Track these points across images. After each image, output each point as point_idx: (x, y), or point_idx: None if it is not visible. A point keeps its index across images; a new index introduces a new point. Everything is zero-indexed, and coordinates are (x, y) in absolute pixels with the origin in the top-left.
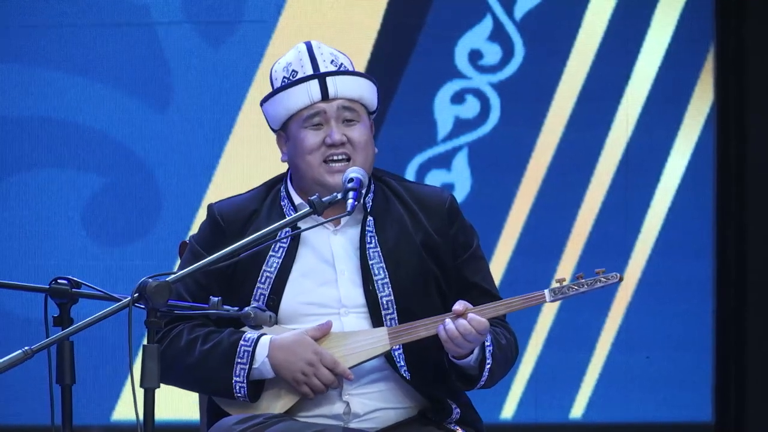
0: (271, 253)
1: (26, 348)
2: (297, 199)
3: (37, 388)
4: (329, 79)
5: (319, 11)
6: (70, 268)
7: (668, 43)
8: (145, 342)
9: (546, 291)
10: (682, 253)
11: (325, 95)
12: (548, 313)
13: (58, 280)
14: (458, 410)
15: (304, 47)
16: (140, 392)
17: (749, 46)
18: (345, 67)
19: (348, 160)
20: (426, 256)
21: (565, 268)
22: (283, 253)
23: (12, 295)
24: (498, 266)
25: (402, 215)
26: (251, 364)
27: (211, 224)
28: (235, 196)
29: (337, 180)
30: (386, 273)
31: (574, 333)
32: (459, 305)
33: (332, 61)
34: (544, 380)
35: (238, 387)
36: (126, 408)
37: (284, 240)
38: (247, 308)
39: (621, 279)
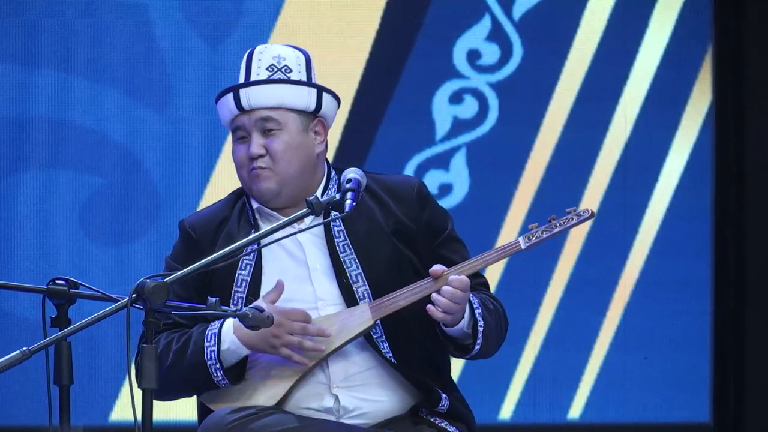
0: (242, 255)
1: (24, 348)
2: (255, 203)
3: (35, 388)
4: (242, 92)
5: (317, 11)
6: (68, 268)
7: (667, 42)
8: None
9: (520, 238)
10: (681, 253)
11: (240, 108)
12: (547, 312)
13: (56, 281)
14: (447, 400)
15: (247, 54)
16: (138, 393)
17: (748, 45)
18: (288, 68)
19: (270, 169)
20: (398, 244)
21: (564, 268)
22: (255, 255)
23: (10, 295)
24: (496, 266)
25: (370, 207)
26: (219, 345)
27: (184, 239)
28: (204, 208)
29: (260, 188)
30: (359, 264)
31: (572, 333)
32: (436, 267)
33: (270, 66)
34: (542, 381)
35: (213, 370)
36: (124, 408)
37: (261, 237)
38: (245, 308)
39: (593, 214)
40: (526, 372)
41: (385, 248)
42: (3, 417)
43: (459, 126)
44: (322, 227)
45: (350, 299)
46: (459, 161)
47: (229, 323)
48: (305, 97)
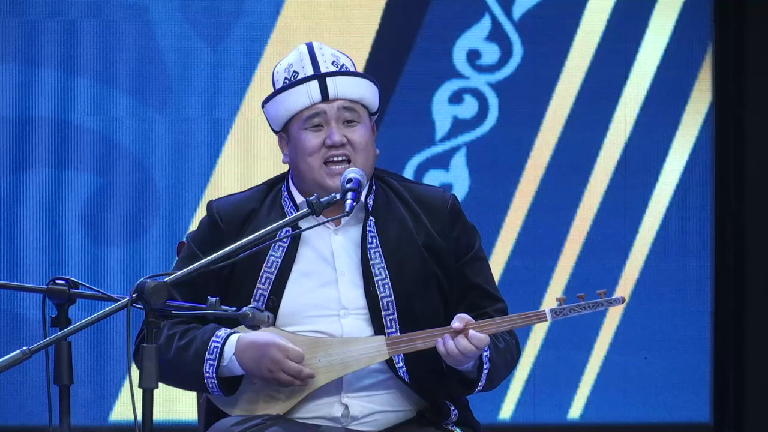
0: (270, 252)
1: (24, 348)
2: (299, 198)
3: (35, 388)
4: (329, 80)
5: (317, 11)
6: (68, 268)
7: (667, 43)
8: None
9: (547, 310)
10: (681, 253)
11: (325, 96)
12: None
13: (56, 281)
14: (456, 411)
15: (305, 48)
16: (138, 392)
17: (747, 46)
18: (346, 68)
19: (348, 161)
20: (428, 257)
21: (564, 268)
22: (283, 253)
23: (10, 295)
24: (496, 266)
25: (404, 216)
26: (219, 361)
27: (209, 223)
28: (236, 193)
29: (338, 183)
30: (387, 273)
31: (572, 333)
32: (459, 322)
33: (333, 62)
34: (542, 381)
35: (210, 383)
36: (124, 408)
37: (284, 240)
38: (245, 308)
39: (624, 301)
40: (527, 372)
41: (414, 259)
42: (3, 417)
43: (459, 126)
44: (359, 230)
45: (374, 308)
46: (459, 161)
47: (233, 340)
48: (375, 97)
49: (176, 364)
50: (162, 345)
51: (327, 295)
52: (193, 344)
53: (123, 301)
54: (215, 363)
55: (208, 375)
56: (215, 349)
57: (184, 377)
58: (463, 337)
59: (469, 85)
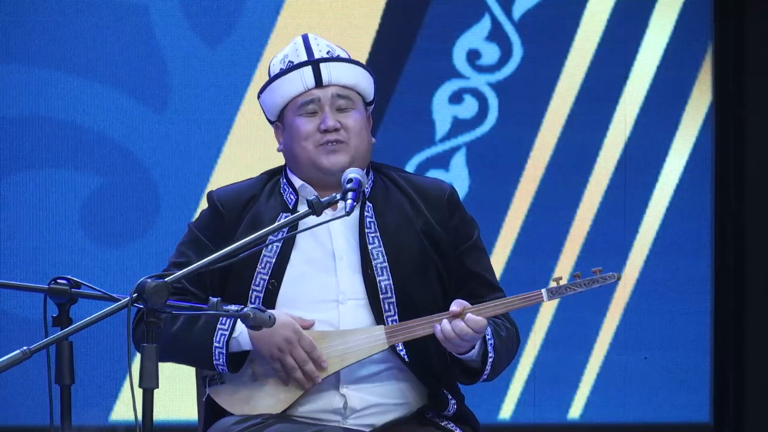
0: (270, 238)
1: (24, 348)
2: (297, 182)
3: (35, 388)
4: (323, 66)
5: (317, 10)
6: (68, 268)
7: (666, 43)
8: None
9: (543, 290)
10: (681, 253)
11: (319, 82)
12: (546, 313)
13: (58, 280)
14: (454, 403)
15: (300, 38)
16: (139, 392)
17: (748, 45)
18: (341, 58)
19: (345, 143)
20: (426, 244)
21: (564, 268)
22: (283, 238)
23: (10, 294)
24: (496, 266)
25: (402, 202)
26: (231, 332)
27: (211, 213)
28: (234, 183)
29: (333, 161)
30: (385, 257)
31: (573, 333)
32: (456, 306)
33: (328, 52)
34: (542, 380)
35: (217, 353)
36: (124, 408)
37: (283, 227)
38: (245, 309)
39: (619, 278)
40: (527, 372)
41: (413, 245)
42: (4, 417)
43: (459, 126)
44: (357, 216)
45: (373, 293)
46: (459, 161)
47: None
48: (370, 86)
49: (182, 335)
50: (168, 318)
51: (325, 280)
52: (203, 316)
53: (123, 300)
54: (227, 333)
55: (217, 345)
56: (228, 320)
57: (190, 348)
58: (460, 320)
59: (469, 85)
